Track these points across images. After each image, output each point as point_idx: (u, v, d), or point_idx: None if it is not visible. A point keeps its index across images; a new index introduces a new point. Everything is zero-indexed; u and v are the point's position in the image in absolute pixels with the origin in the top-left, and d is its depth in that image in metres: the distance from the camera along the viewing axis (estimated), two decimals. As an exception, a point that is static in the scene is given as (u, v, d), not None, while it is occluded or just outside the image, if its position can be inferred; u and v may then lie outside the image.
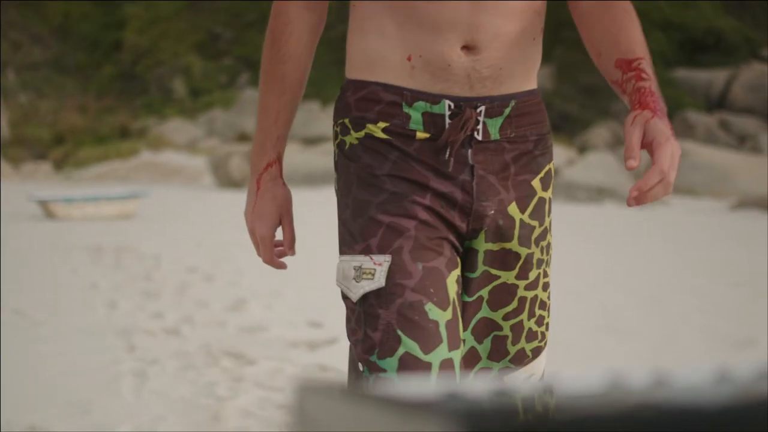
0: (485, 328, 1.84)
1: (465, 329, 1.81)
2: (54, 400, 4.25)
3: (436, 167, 1.74)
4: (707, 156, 24.35)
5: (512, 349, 1.85)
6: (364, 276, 1.73)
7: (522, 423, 0.31)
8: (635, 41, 1.78)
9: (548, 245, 1.88)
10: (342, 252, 1.80)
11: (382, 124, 1.77)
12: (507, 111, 1.77)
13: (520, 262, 1.82)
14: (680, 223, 15.72)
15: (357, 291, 1.74)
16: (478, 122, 1.74)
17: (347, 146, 1.81)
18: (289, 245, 1.95)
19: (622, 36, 1.78)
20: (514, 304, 1.84)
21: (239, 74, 42.52)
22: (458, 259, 1.79)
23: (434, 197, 1.74)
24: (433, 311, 1.69)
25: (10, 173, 30.88)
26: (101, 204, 17.19)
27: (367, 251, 1.73)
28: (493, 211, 1.77)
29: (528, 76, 1.82)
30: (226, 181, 26.03)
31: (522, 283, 1.84)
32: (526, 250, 1.82)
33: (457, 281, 1.76)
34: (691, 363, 5.31)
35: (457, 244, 1.78)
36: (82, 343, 5.64)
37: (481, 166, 1.76)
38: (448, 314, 1.70)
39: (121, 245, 11.64)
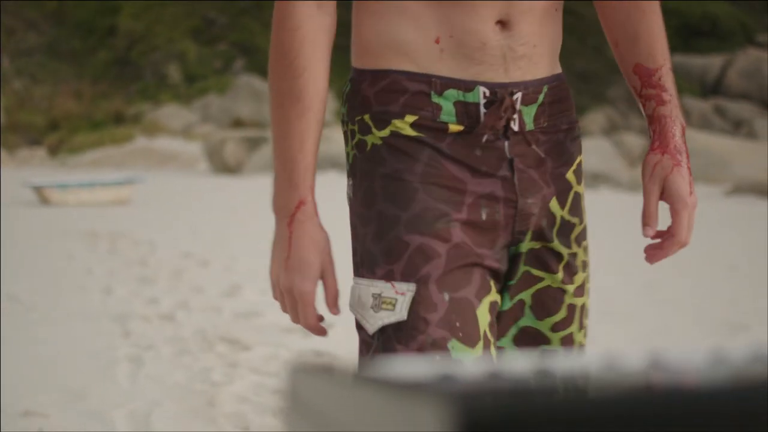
0: (531, 340, 1.65)
1: (501, 336, 1.63)
2: (49, 386, 4.25)
3: (471, 165, 1.55)
4: (702, 142, 24.35)
5: None
6: (384, 306, 1.52)
7: (515, 404, 0.30)
8: (658, 46, 1.65)
9: (587, 247, 1.70)
10: (358, 273, 1.58)
11: (410, 118, 1.54)
12: (540, 98, 1.59)
13: (563, 263, 1.64)
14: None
15: (374, 323, 1.54)
16: (514, 111, 1.56)
17: (369, 147, 1.57)
18: (333, 302, 1.60)
19: (643, 37, 1.64)
20: (563, 312, 1.65)
21: (234, 60, 42.44)
22: (491, 284, 1.58)
23: (474, 202, 1.54)
24: (456, 349, 1.51)
25: (4, 159, 30.84)
26: (96, 190, 17.17)
27: (389, 277, 1.51)
28: (537, 210, 1.59)
29: (555, 58, 1.65)
30: (221, 166, 26.00)
31: (570, 288, 1.65)
32: (566, 249, 1.64)
33: (490, 308, 1.57)
34: (686, 347, 5.30)
35: (495, 266, 1.57)
36: (78, 329, 5.64)
37: (520, 160, 1.57)
38: (476, 351, 1.53)
39: (116, 231, 11.63)
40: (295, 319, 1.59)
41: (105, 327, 5.70)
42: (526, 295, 1.63)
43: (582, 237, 1.68)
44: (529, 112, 1.58)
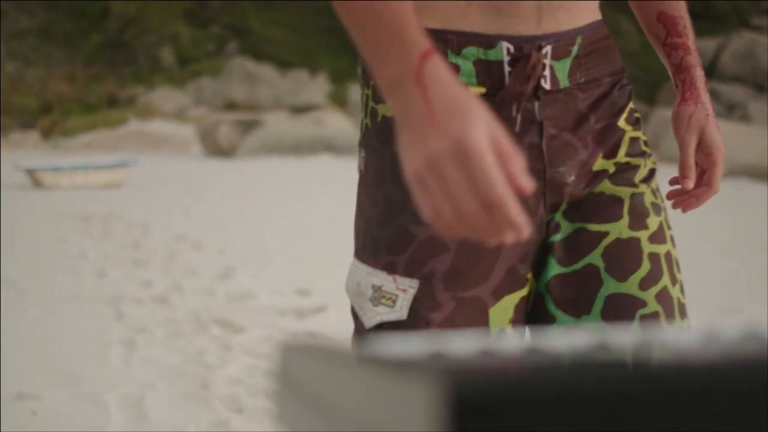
0: (623, 309, 1.39)
1: (585, 314, 1.40)
2: (43, 368, 4.25)
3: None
4: (696, 125, 24.28)
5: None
6: (383, 301, 1.36)
7: (506, 382, 0.30)
8: None
9: (658, 191, 1.49)
10: (360, 256, 1.39)
11: None
12: (574, 50, 1.39)
13: (626, 206, 1.42)
14: (668, 190, 15.67)
15: (371, 317, 1.37)
16: (544, 67, 1.35)
17: (379, 119, 1.38)
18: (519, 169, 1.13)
19: None
20: (646, 264, 1.40)
21: (227, 42, 42.32)
22: (522, 274, 1.39)
23: None
24: None
25: (-3, 142, 30.77)
26: (89, 173, 17.15)
27: (391, 269, 1.34)
28: (573, 177, 1.39)
29: (595, 3, 1.45)
30: (214, 149, 25.97)
31: (643, 235, 1.41)
32: (629, 189, 1.43)
33: (518, 304, 1.39)
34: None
35: (524, 250, 1.37)
36: (71, 312, 5.63)
37: (552, 122, 1.37)
38: None
39: (110, 214, 11.62)
40: (454, 208, 0.99)
41: (98, 310, 5.70)
42: (594, 258, 1.39)
43: (649, 178, 1.46)
44: (562, 67, 1.38)
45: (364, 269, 1.38)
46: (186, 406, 3.70)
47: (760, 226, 10.70)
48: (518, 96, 1.35)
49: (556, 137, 1.38)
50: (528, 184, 0.99)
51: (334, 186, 16.53)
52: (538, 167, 1.36)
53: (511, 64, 1.34)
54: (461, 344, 0.42)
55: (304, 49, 42.94)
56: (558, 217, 1.41)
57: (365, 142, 1.41)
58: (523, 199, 1.13)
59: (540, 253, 1.41)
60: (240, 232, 9.64)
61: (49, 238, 9.38)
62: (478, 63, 1.34)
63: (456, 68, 1.32)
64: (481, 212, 0.97)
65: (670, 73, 1.58)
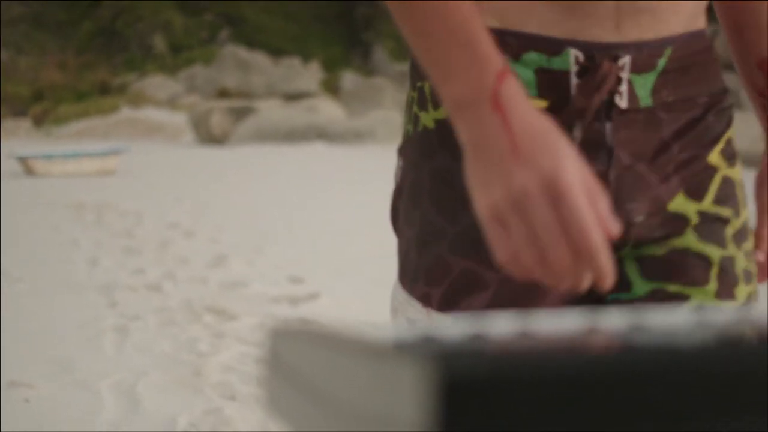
0: None
1: None
2: (35, 356, 4.25)
3: None
4: (689, 112, 24.36)
5: None
6: None
7: (496, 366, 0.30)
8: None
9: (753, 253, 1.25)
10: (401, 279, 1.24)
11: None
12: (661, 63, 1.16)
13: (715, 270, 1.19)
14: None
15: None
16: (620, 81, 1.14)
17: (420, 128, 1.19)
18: (607, 220, 0.98)
19: None
20: None
21: (220, 30, 42.25)
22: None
23: None
24: None
25: (-11, 130, 30.70)
26: (81, 160, 17.12)
27: (426, 301, 1.18)
28: (643, 217, 1.16)
29: (698, 9, 1.21)
30: (206, 137, 25.95)
31: (730, 307, 1.22)
32: (718, 251, 1.20)
33: None
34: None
35: (570, 302, 1.17)
36: (64, 300, 5.63)
37: (625, 149, 1.14)
38: None
39: (102, 202, 11.60)
40: (563, 243, 0.88)
41: (91, 298, 5.70)
42: None
43: (742, 237, 1.23)
44: (645, 83, 1.15)
45: (402, 296, 1.21)
46: (179, 394, 3.70)
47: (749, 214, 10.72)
48: (583, 113, 1.12)
49: (628, 168, 1.14)
50: (616, 228, 0.89)
51: (326, 173, 16.53)
52: None
53: (579, 75, 1.13)
54: (451, 329, 0.42)
55: (297, 37, 42.88)
56: (631, 271, 1.18)
57: (404, 150, 1.23)
58: None
59: (594, 303, 1.18)
60: (233, 220, 9.63)
61: (41, 226, 9.37)
62: (541, 72, 1.13)
63: None
64: (569, 258, 0.88)
65: (762, 126, 1.34)
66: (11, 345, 4.44)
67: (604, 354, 0.32)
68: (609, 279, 0.90)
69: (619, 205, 1.13)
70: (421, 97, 1.18)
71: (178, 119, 29.35)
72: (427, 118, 1.17)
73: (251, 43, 40.05)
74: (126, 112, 31.99)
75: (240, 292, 5.84)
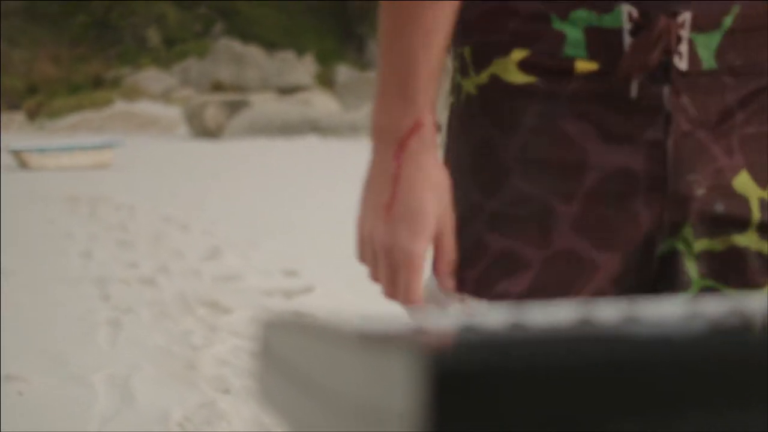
0: None
1: None
2: (29, 349, 4.24)
3: (604, 123, 1.04)
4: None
5: None
6: None
7: (487, 357, 0.30)
8: None
9: None
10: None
11: (518, 54, 1.05)
12: (727, 21, 1.05)
13: None
14: None
15: None
16: (679, 39, 1.03)
17: (463, 97, 1.11)
18: (447, 271, 1.08)
19: None
20: None
21: (214, 23, 42.18)
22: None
23: (596, 184, 1.04)
24: None
25: (-18, 123, 30.65)
26: (75, 154, 17.10)
27: (461, 286, 1.09)
28: (704, 190, 1.05)
29: None
30: (200, 130, 25.92)
31: None
32: None
33: None
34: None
35: (624, 277, 1.07)
36: (58, 293, 5.62)
37: (684, 115, 1.03)
38: None
39: (96, 195, 11.59)
40: (391, 291, 1.06)
41: (85, 291, 5.69)
42: None
43: None
44: (708, 43, 1.04)
45: (436, 284, 1.12)
46: (172, 387, 3.70)
47: None
48: (637, 74, 1.02)
49: (688, 135, 1.04)
50: (451, 286, 1.07)
51: (320, 167, 16.52)
52: (657, 173, 1.03)
53: (633, 33, 1.03)
54: (443, 320, 0.42)
55: (291, 31, 42.83)
56: (690, 267, 1.07)
57: (448, 125, 1.15)
58: (633, 215, 1.03)
59: (646, 290, 1.09)
60: (227, 213, 9.63)
61: (35, 219, 9.35)
62: (591, 31, 1.04)
63: (561, 36, 1.04)
64: (392, 294, 1.06)
65: None
66: (5, 338, 4.43)
67: (596, 345, 0.32)
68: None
69: (678, 176, 1.04)
70: (462, 63, 1.11)
71: (172, 112, 29.31)
72: (469, 85, 1.09)
73: (245, 37, 40.00)
74: (120, 106, 31.94)
75: (234, 285, 5.84)
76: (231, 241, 7.68)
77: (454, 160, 1.11)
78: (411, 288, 1.04)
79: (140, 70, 37.92)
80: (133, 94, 34.56)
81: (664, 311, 0.42)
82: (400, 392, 0.30)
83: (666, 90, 1.03)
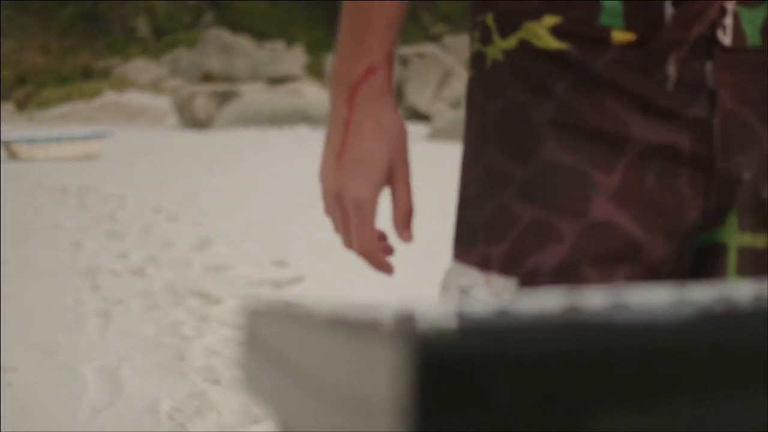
0: None
1: None
2: (18, 340, 4.23)
3: (644, 97, 0.95)
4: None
5: None
6: None
7: (474, 344, 0.30)
8: None
9: None
10: (454, 252, 1.03)
11: (550, 20, 0.97)
12: None
13: None
14: None
15: None
16: (724, 13, 0.96)
17: (488, 65, 1.02)
18: (404, 221, 1.06)
19: None
20: None
21: (203, 14, 42.05)
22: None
23: (637, 159, 0.95)
24: None
25: (-29, 114, 30.54)
26: (64, 145, 17.05)
27: (485, 265, 0.98)
28: (752, 175, 0.97)
29: None
30: (190, 121, 25.85)
31: None
32: None
33: None
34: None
35: (663, 264, 0.97)
36: (47, 284, 5.61)
37: (729, 92, 0.96)
38: None
39: (86, 186, 11.56)
40: (347, 240, 1.06)
41: (74, 281, 5.68)
42: None
43: None
44: (754, 18, 0.97)
45: (455, 268, 1.02)
46: (162, 378, 3.70)
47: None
48: (678, 49, 0.95)
49: (732, 114, 0.96)
50: (409, 236, 1.07)
51: (310, 157, 16.50)
52: (702, 152, 0.95)
53: (675, 3, 0.95)
54: (435, 308, 0.41)
55: (281, 21, 42.74)
56: (729, 261, 0.98)
57: (468, 99, 1.06)
58: (677, 195, 0.94)
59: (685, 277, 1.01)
60: (216, 204, 9.61)
61: (24, 210, 9.32)
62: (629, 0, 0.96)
63: (597, 4, 0.96)
64: (359, 251, 1.06)
65: None
66: (-6, 329, 4.42)
67: (585, 332, 0.32)
68: (388, 271, 1.07)
69: (725, 157, 0.96)
70: (484, 31, 1.02)
71: (162, 103, 29.23)
72: (495, 51, 1.01)
73: (235, 27, 39.90)
74: (109, 96, 31.83)
75: (224, 275, 5.83)
76: (221, 231, 7.67)
77: (475, 132, 1.03)
78: (362, 235, 1.04)
79: (129, 60, 37.82)
80: (123, 84, 34.46)
81: (653, 298, 0.41)
82: (386, 379, 0.29)
83: (709, 66, 0.95)
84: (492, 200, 0.99)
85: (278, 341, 0.39)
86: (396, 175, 1.05)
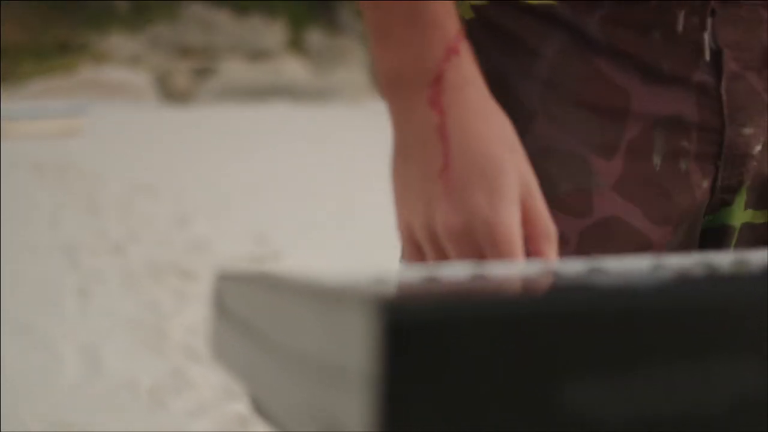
0: None
1: None
2: (-4, 318, 4.21)
3: (642, 60, 0.82)
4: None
5: None
6: None
7: (444, 309, 0.29)
8: None
9: None
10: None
11: None
12: None
13: None
14: None
15: None
16: None
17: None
18: (549, 247, 0.70)
19: None
20: None
21: (182, -12, 41.72)
22: None
23: (641, 135, 0.82)
24: None
25: (-52, 90, 30.32)
26: (43, 121, 16.94)
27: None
28: (761, 146, 0.85)
29: None
30: (170, 96, 25.74)
31: None
32: None
33: None
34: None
35: (672, 247, 0.85)
36: (26, 262, 5.58)
37: (734, 54, 0.83)
38: None
39: (65, 163, 11.50)
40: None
41: (53, 260, 5.65)
42: None
43: None
44: None
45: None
46: (142, 355, 3.69)
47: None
48: (678, 3, 0.81)
49: (738, 78, 0.84)
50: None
51: (291, 133, 16.46)
52: (711, 124, 0.83)
53: None
54: (404, 273, 0.40)
55: (261, -5, 42.46)
56: (735, 219, 0.87)
57: None
58: (684, 176, 0.83)
59: None
60: (196, 180, 9.57)
61: (2, 187, 9.27)
62: None
63: None
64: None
65: None
66: (-28, 307, 4.40)
67: (558, 294, 0.31)
68: None
69: (734, 129, 0.84)
70: None
71: (141, 78, 29.07)
72: (464, 8, 0.84)
73: (215, 1, 39.69)
74: (88, 72, 31.63)
75: (204, 252, 5.81)
76: (201, 208, 7.65)
77: None
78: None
79: (108, 35, 37.57)
80: (101, 59, 34.25)
81: (630, 264, 0.41)
82: (356, 344, 0.29)
83: (709, 23, 0.82)
84: None
85: (246, 309, 0.39)
86: (527, 183, 0.69)
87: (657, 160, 0.82)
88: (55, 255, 5.77)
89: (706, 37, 0.82)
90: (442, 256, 0.68)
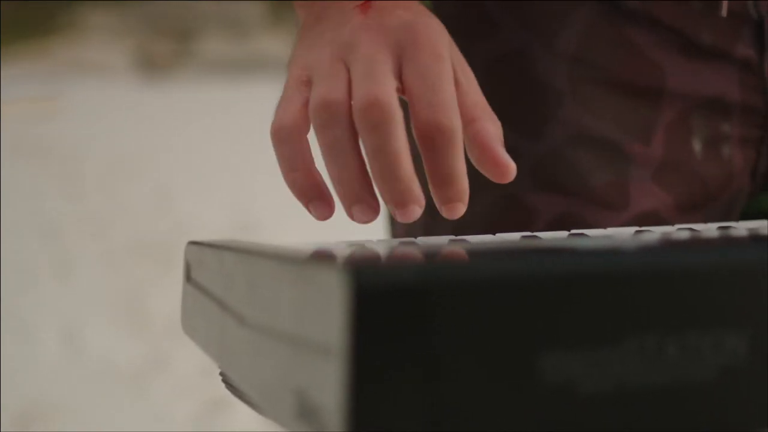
0: None
1: None
2: (-25, 299, 4.19)
3: (679, 32, 0.72)
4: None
5: None
6: None
7: (422, 273, 0.27)
8: None
9: None
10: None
11: None
12: None
13: None
14: None
15: None
16: None
17: None
18: (497, 137, 0.51)
19: None
20: None
21: (159, -36, 41.48)
22: None
23: (679, 117, 0.72)
24: None
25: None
26: (18, 101, 16.86)
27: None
28: None
29: None
30: (147, 73, 25.63)
31: None
32: None
33: None
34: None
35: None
36: (4, 243, 5.55)
37: None
38: None
39: (43, 142, 11.44)
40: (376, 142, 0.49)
41: (32, 241, 5.62)
42: None
43: None
44: None
45: None
46: (124, 337, 3.68)
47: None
48: None
49: None
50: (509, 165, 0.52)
51: (270, 108, 16.42)
52: (755, 105, 0.74)
53: None
54: (377, 242, 0.39)
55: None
56: None
57: None
58: (725, 163, 0.74)
59: None
60: (176, 158, 9.54)
61: (-21, 166, 9.22)
62: None
63: None
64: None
65: None
66: (-50, 288, 4.38)
67: (537, 257, 0.29)
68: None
69: None
70: None
71: (119, 56, 28.92)
72: None
73: (191, -22, 39.46)
74: (64, 50, 31.44)
75: (186, 234, 5.80)
76: (183, 189, 7.62)
77: None
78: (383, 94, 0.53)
79: (84, 11, 37.31)
80: (78, 36, 34.04)
81: (611, 232, 0.40)
82: (325, 314, 0.27)
83: None
84: (493, 189, 0.68)
85: (214, 279, 0.37)
86: (457, 63, 0.53)
87: (697, 146, 0.72)
88: (34, 237, 5.75)
89: (750, 8, 0.72)
90: (342, 75, 0.51)
